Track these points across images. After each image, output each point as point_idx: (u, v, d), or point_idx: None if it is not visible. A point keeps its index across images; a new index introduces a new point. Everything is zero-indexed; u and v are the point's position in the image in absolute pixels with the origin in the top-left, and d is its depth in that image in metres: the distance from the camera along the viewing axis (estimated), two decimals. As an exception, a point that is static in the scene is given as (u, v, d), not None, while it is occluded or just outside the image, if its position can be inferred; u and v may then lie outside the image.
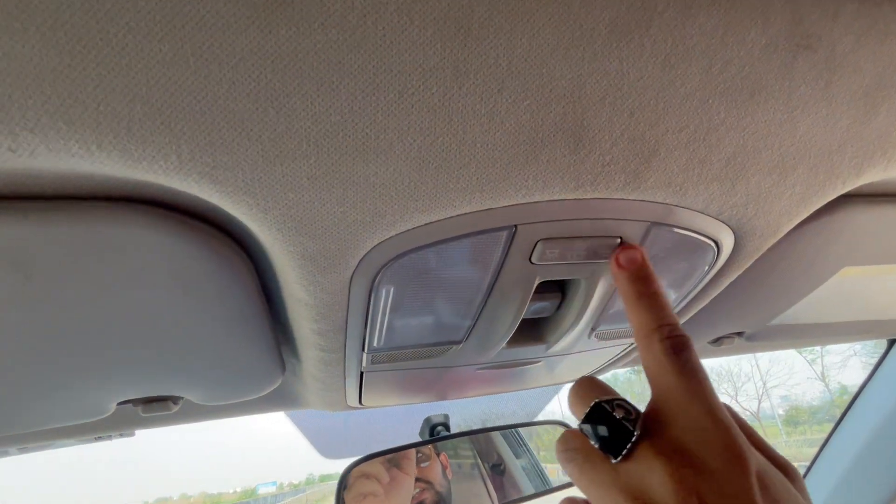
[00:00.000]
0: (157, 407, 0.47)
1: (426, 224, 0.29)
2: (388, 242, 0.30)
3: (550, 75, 0.25)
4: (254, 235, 0.30)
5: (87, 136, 0.22)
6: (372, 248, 0.30)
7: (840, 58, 0.30)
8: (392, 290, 0.34)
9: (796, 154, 0.33)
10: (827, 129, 0.33)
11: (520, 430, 1.07)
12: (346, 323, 0.36)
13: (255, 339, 0.40)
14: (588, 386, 0.31)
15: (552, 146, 0.28)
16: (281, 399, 0.62)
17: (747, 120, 0.30)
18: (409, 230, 0.30)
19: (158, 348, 0.38)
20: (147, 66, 0.20)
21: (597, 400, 0.28)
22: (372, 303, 0.34)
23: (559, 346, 0.47)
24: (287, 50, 0.21)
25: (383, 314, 0.36)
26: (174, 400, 0.47)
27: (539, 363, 0.51)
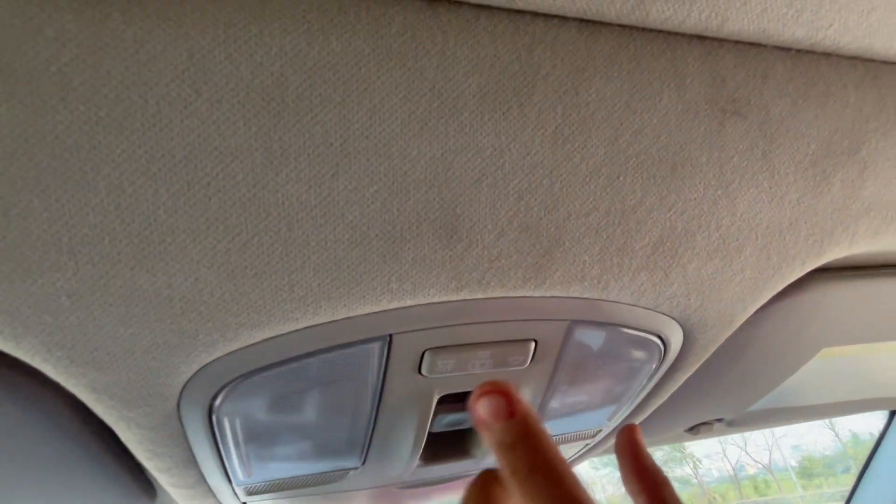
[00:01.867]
0: None
1: (262, 341, 0.23)
2: (216, 365, 0.23)
3: (403, 155, 0.20)
4: None
5: None
6: (193, 375, 0.23)
7: (776, 123, 0.25)
8: (240, 420, 0.26)
9: (739, 235, 0.27)
10: (773, 206, 0.27)
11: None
12: (194, 457, 0.29)
13: (104, 473, 0.31)
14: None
15: (417, 241, 0.22)
16: None
17: (672, 198, 0.25)
18: (239, 349, 0.23)
19: None
20: None
21: None
22: (218, 434, 0.27)
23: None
24: (11, 131, 0.16)
25: (237, 445, 0.28)
26: None
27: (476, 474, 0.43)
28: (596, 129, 0.22)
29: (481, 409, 0.23)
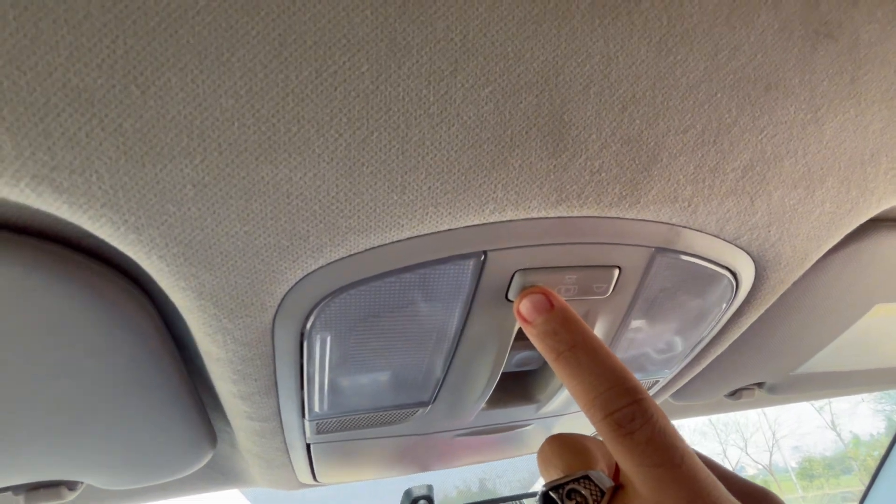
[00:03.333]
0: (45, 495, 0.37)
1: (366, 250, 0.23)
2: (318, 275, 0.23)
3: (518, 56, 0.20)
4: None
5: None
6: (296, 283, 0.23)
7: (865, 49, 0.25)
8: (330, 338, 0.26)
9: (824, 163, 0.27)
10: (857, 134, 0.27)
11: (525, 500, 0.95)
12: (276, 384, 0.29)
13: (170, 405, 0.31)
14: (552, 451, 0.24)
15: (525, 147, 0.22)
16: (218, 477, 0.52)
17: (765, 120, 0.25)
18: (343, 258, 0.23)
19: (41, 420, 0.29)
20: None
21: (544, 489, 0.22)
22: (306, 356, 0.27)
23: (552, 406, 0.39)
24: (156, 5, 0.16)
25: (322, 371, 0.28)
26: (69, 486, 0.38)
27: (530, 426, 0.43)
28: (697, 43, 0.22)
29: (524, 307, 0.25)
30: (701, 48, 0.22)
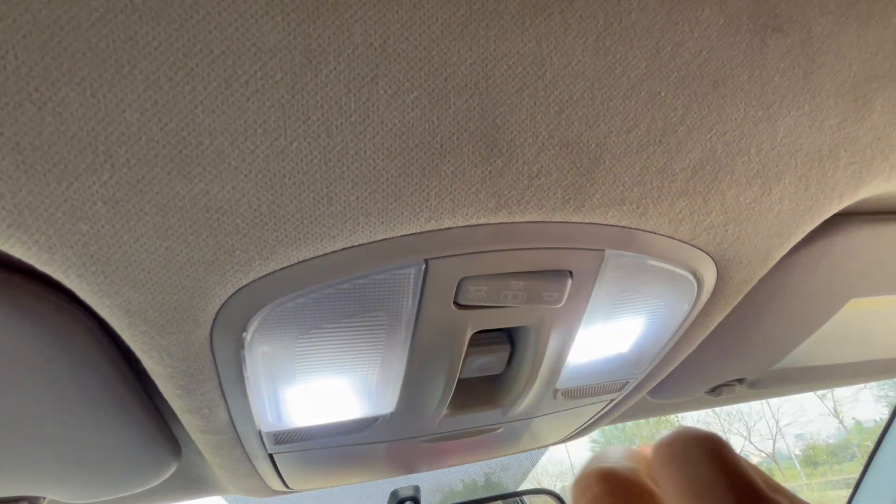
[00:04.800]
0: None
1: (298, 263, 0.22)
2: (251, 289, 0.23)
3: (444, 60, 0.19)
4: None
5: None
6: (229, 298, 0.23)
7: (818, 42, 0.24)
8: (273, 351, 0.26)
9: (779, 160, 0.27)
10: (813, 129, 0.26)
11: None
12: (224, 397, 0.28)
13: (122, 419, 0.31)
14: (587, 483, 0.19)
15: (457, 153, 0.21)
16: (190, 486, 0.51)
17: (713, 118, 0.24)
18: (275, 272, 0.22)
19: None
20: None
21: None
22: (249, 370, 0.26)
23: (519, 410, 0.38)
24: (46, 18, 0.15)
25: (271, 383, 0.28)
26: (31, 501, 0.37)
27: (500, 429, 0.43)
28: (637, 40, 0.22)
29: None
30: (641, 46, 0.22)
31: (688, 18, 0.22)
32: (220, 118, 0.18)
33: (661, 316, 0.34)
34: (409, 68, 0.19)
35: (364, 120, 0.19)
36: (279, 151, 0.19)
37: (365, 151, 0.20)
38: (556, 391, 0.38)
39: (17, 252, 0.19)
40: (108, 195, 0.18)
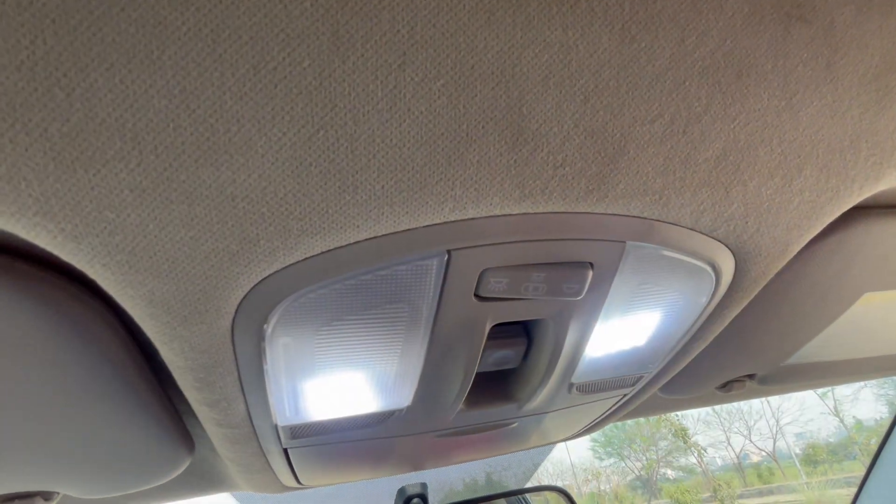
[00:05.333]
0: None
1: (322, 253, 0.22)
2: (274, 279, 0.22)
3: (470, 47, 0.19)
4: None
5: None
6: (252, 288, 0.23)
7: (840, 32, 0.24)
8: (293, 343, 0.26)
9: (801, 151, 0.26)
10: (835, 120, 0.26)
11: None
12: (243, 390, 0.28)
13: (138, 414, 0.31)
14: None
15: (482, 142, 0.21)
16: (201, 482, 0.51)
17: (736, 108, 0.24)
18: (299, 262, 0.22)
19: (8, 432, 0.29)
20: None
21: None
22: (270, 362, 0.26)
23: (534, 404, 0.38)
24: (76, 2, 0.15)
25: (290, 376, 0.28)
26: (45, 496, 0.37)
27: (513, 424, 0.42)
28: (662, 29, 0.21)
29: None
30: (666, 34, 0.21)
31: (713, 7, 0.22)
32: (248, 105, 0.18)
33: (679, 309, 0.34)
34: (437, 55, 0.19)
35: (391, 108, 0.19)
36: (306, 139, 0.19)
37: (391, 139, 0.20)
38: (571, 385, 0.38)
39: (43, 241, 0.19)
40: (135, 183, 0.18)
